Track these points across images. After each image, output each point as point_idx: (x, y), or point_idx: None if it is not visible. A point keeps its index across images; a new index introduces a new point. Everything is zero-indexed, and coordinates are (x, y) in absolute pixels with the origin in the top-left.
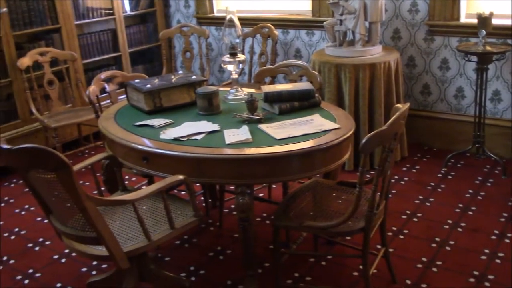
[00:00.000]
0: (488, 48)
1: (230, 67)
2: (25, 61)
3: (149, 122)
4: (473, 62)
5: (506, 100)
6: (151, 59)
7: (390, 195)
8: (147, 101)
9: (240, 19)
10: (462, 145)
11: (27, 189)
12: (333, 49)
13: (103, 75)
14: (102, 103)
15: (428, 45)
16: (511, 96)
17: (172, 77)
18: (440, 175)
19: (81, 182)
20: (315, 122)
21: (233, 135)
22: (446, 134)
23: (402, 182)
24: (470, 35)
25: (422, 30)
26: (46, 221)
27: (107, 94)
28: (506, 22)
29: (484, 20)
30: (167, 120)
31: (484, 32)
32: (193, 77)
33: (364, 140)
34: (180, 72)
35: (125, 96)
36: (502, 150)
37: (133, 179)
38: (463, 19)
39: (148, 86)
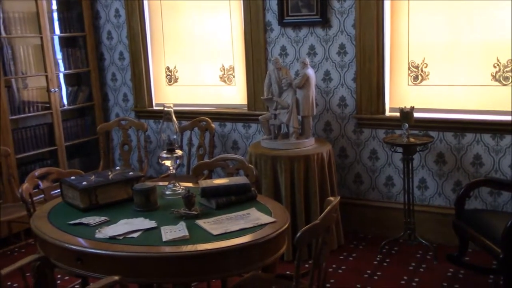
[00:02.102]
0: (412, 140)
1: (168, 163)
2: None
3: (84, 220)
4: (399, 152)
5: (432, 187)
6: (88, 152)
7: (328, 285)
8: (82, 199)
9: (178, 112)
10: (395, 232)
11: None
12: (269, 142)
13: (37, 172)
14: (35, 198)
15: (357, 137)
16: (437, 183)
17: (109, 173)
18: (376, 262)
19: (9, 283)
20: (251, 216)
21: (170, 232)
22: (379, 221)
23: (340, 271)
24: (395, 128)
25: (351, 123)
26: None
27: (40, 189)
28: (427, 115)
29: (406, 114)
30: (102, 218)
31: (407, 125)
32: (130, 173)
33: (298, 235)
34: (118, 167)
35: (59, 190)
36: (432, 235)
37: (66, 278)
38: (387, 113)
39: (84, 183)
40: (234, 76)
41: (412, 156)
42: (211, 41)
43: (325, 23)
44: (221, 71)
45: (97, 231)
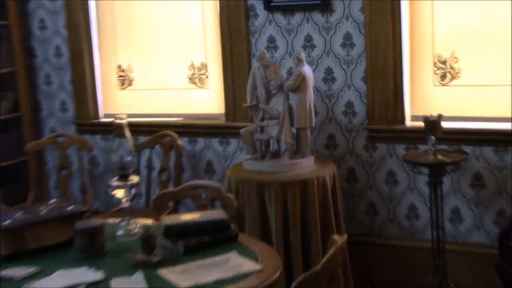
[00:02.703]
0: (440, 157)
1: (120, 193)
2: None
3: (7, 272)
4: (424, 174)
5: (468, 219)
6: (13, 179)
7: None
8: (5, 243)
9: (134, 125)
10: (420, 278)
11: None
12: (254, 163)
13: None
14: None
15: (370, 154)
16: (474, 213)
17: (42, 208)
18: None
19: None
20: (231, 263)
21: (122, 285)
22: (401, 263)
23: None
24: (418, 141)
25: (362, 136)
26: None
27: None
28: (459, 124)
29: (432, 124)
30: (32, 269)
31: (433, 138)
32: (70, 207)
33: (293, 286)
34: (53, 200)
35: None
36: (469, 281)
37: None
38: (408, 123)
39: (7, 222)
40: (207, 77)
41: (441, 179)
42: (177, 31)
43: (325, 6)
44: (191, 70)
45: (24, 287)
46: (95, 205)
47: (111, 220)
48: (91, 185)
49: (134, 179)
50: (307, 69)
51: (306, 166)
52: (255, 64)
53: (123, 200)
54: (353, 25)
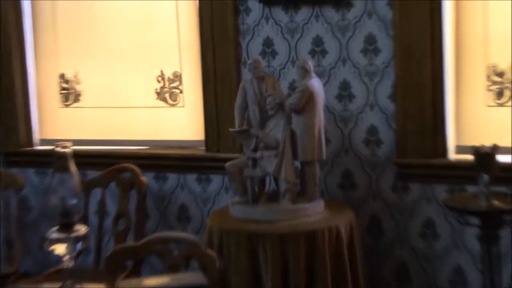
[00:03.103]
0: (496, 203)
1: (61, 249)
2: None
3: None
4: (474, 226)
5: None
6: None
7: None
8: None
9: (81, 156)
10: None
11: None
12: (243, 208)
13: None
14: None
15: (400, 197)
16: None
17: None
18: None
19: None
20: None
21: None
22: None
23: None
24: (466, 181)
25: (389, 173)
26: None
27: None
28: None
29: (484, 158)
30: None
31: (486, 177)
32: None
33: None
34: None
35: None
36: None
37: None
38: (452, 155)
39: None
40: (181, 91)
41: (497, 232)
42: (142, 31)
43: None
44: (159, 81)
45: None
46: (25, 264)
47: (46, 286)
48: (20, 237)
49: (81, 229)
50: (315, 83)
51: (314, 212)
52: (246, 75)
53: (64, 258)
54: (378, 24)
